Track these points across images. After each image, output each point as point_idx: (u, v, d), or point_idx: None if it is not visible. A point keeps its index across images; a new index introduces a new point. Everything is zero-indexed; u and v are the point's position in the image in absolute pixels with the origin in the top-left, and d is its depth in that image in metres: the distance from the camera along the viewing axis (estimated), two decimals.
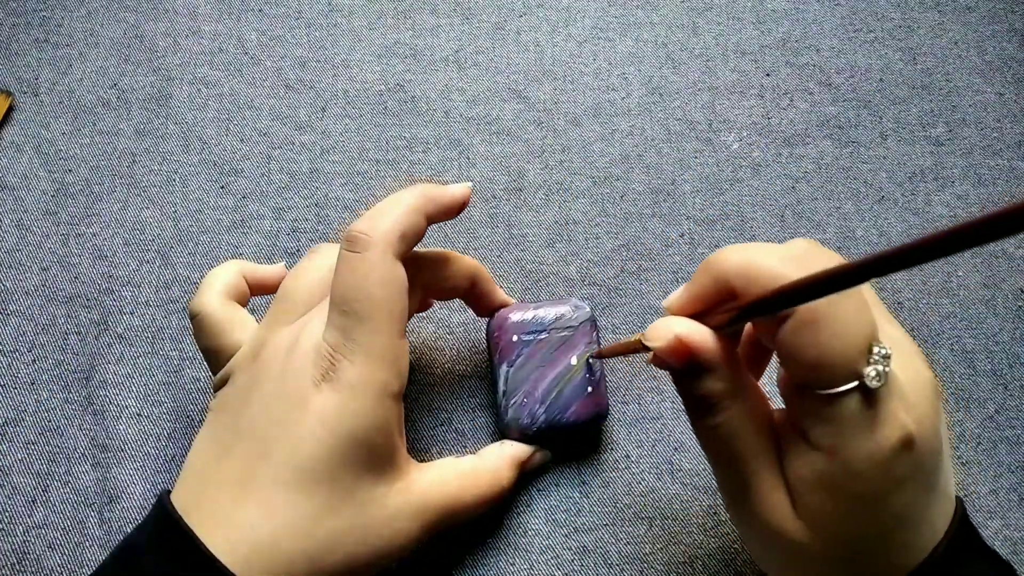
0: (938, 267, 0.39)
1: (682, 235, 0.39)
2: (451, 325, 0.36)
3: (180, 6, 0.42)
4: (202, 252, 0.38)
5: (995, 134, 0.41)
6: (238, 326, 0.29)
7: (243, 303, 0.31)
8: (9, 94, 0.39)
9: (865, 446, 0.21)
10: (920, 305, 0.38)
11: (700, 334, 0.23)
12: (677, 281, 0.38)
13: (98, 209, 0.38)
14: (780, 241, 0.39)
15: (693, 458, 0.35)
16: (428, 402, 0.35)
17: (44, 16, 0.41)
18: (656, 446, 0.35)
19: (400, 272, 0.26)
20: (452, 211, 0.29)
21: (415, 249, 0.28)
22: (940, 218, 0.40)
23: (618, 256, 0.38)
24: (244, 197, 0.39)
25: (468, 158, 0.40)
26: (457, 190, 0.29)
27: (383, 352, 0.25)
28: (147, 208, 0.38)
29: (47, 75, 0.40)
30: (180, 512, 0.24)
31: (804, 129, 0.41)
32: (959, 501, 0.24)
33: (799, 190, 0.40)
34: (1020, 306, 0.38)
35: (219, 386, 0.29)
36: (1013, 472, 0.35)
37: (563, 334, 0.33)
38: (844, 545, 0.22)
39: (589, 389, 0.32)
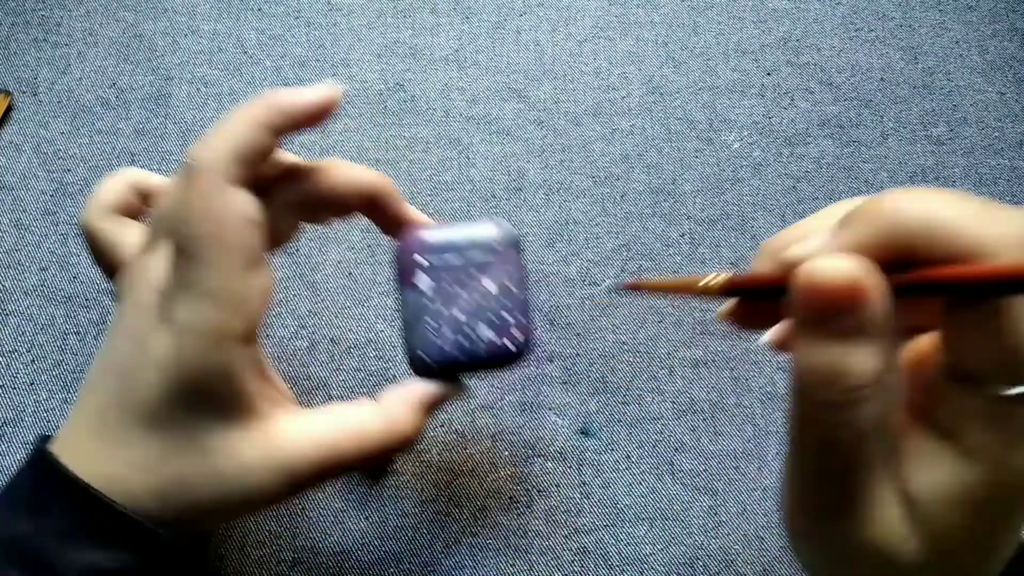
0: None
1: (683, 235, 0.39)
2: None
3: (179, 5, 0.42)
4: None
5: (996, 133, 0.41)
6: (126, 245, 0.28)
7: (136, 216, 0.29)
8: (8, 93, 0.39)
9: None
10: None
11: (882, 287, 0.17)
12: None
13: None
14: None
15: (693, 458, 0.35)
16: None
17: (43, 15, 0.41)
18: (656, 446, 0.35)
19: (235, 200, 0.23)
20: (309, 119, 0.24)
21: (293, 159, 0.26)
22: None
23: (618, 256, 0.38)
24: None
25: (468, 158, 0.40)
26: (313, 92, 0.24)
27: (219, 292, 0.23)
28: None
29: (46, 74, 0.40)
30: (60, 441, 0.25)
31: (805, 128, 0.41)
32: None
33: (800, 190, 0.40)
34: None
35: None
36: None
37: (479, 258, 0.28)
38: (961, 567, 0.19)
39: (509, 319, 0.28)
